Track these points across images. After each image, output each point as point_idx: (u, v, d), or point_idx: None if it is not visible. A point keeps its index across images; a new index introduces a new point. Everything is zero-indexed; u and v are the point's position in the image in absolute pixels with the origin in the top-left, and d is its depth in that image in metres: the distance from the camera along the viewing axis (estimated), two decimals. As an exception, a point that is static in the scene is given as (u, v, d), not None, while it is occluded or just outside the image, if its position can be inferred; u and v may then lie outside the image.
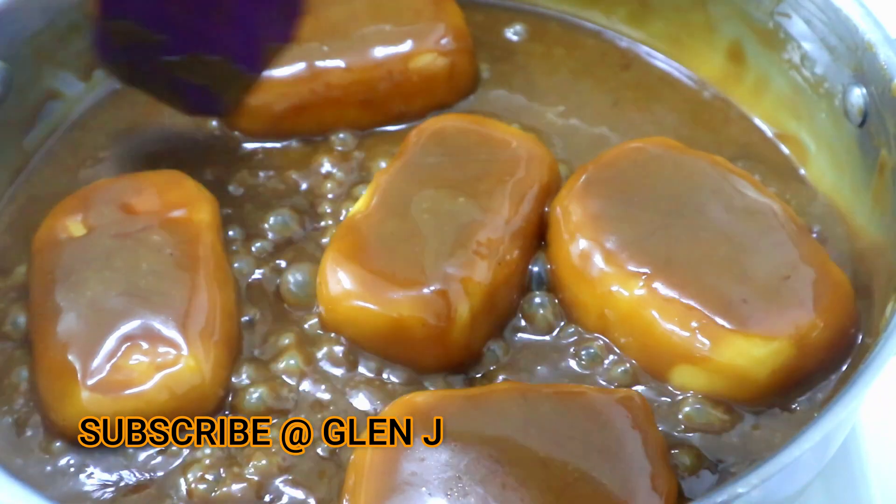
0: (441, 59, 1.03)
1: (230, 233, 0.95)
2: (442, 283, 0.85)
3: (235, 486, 0.81)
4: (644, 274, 0.85)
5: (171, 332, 0.83)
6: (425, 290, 0.85)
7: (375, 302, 0.85)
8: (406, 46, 1.03)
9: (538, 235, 0.93)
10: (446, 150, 0.95)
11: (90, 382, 0.81)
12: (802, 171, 1.01)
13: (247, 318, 0.90)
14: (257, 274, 0.93)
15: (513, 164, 0.93)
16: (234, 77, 0.99)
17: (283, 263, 0.93)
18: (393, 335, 0.85)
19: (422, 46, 1.03)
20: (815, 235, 0.95)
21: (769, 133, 1.03)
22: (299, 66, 1.02)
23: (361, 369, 0.87)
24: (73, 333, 0.84)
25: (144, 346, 0.83)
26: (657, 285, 0.84)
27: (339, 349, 0.88)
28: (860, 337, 0.87)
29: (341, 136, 1.02)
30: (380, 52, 1.03)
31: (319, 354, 0.88)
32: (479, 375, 0.87)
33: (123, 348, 0.83)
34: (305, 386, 0.86)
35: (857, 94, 0.93)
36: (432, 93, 1.04)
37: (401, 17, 1.05)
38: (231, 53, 0.97)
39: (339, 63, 1.02)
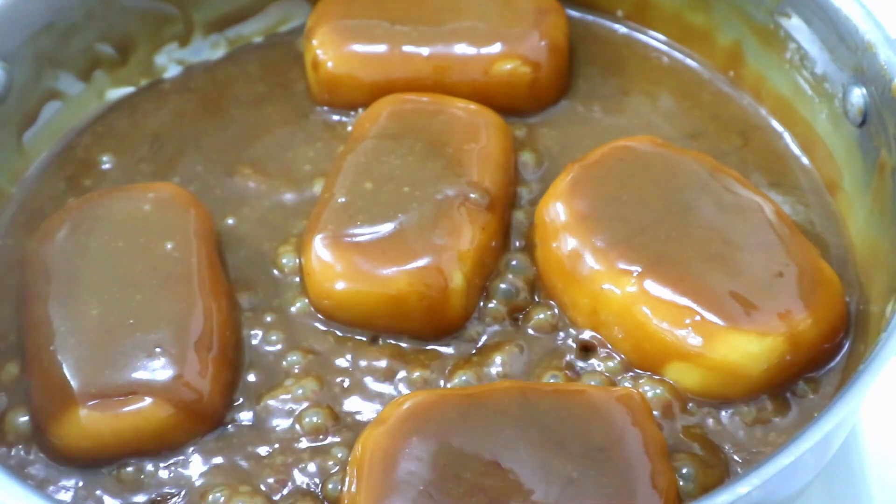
0: (524, 68, 1.01)
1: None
2: (433, 254, 0.86)
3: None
4: (635, 271, 0.84)
5: (168, 348, 0.82)
6: (419, 263, 0.85)
7: (369, 282, 0.86)
8: (492, 49, 1.01)
9: (510, 198, 0.94)
10: (403, 126, 0.95)
11: (89, 401, 0.80)
12: (802, 171, 1.00)
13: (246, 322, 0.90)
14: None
15: (471, 132, 0.94)
16: None
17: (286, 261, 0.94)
18: (390, 311, 0.86)
19: (508, 52, 1.01)
20: (814, 235, 0.95)
21: (769, 132, 1.03)
22: (384, 46, 1.01)
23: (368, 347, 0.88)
24: (69, 351, 0.82)
25: (141, 362, 0.82)
26: (649, 282, 0.84)
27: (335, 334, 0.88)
28: (852, 335, 0.87)
29: None
30: (465, 48, 1.01)
31: (314, 348, 0.88)
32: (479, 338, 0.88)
33: (120, 365, 0.81)
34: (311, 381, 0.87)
35: (857, 94, 0.93)
36: (511, 99, 1.02)
37: (501, 18, 1.03)
38: None
39: (421, 51, 1.01)
